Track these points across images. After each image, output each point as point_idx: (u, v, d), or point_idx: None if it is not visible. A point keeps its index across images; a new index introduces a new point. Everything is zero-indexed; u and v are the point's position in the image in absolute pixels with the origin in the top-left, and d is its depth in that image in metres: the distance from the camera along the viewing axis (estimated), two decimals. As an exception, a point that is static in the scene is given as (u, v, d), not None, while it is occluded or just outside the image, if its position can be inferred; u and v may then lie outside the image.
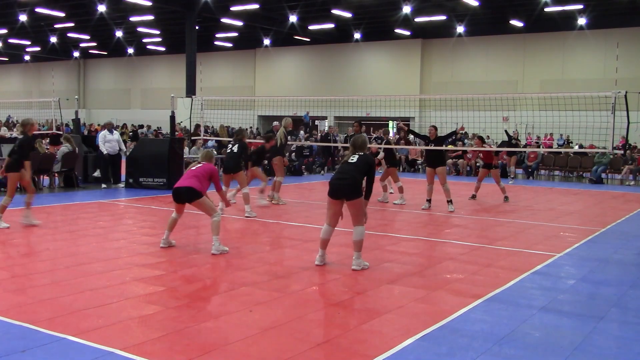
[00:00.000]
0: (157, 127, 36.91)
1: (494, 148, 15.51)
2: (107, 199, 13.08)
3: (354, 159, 7.22)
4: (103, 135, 15.39)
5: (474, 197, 14.36)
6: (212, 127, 27.80)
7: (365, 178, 7.22)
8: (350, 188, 7.02)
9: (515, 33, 33.07)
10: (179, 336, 4.82)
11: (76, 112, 17.71)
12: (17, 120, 35.18)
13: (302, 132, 29.50)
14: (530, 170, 21.99)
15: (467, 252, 8.37)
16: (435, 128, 12.70)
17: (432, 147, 12.52)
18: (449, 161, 22.47)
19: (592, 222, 11.45)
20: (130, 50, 45.59)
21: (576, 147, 23.25)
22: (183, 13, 30.80)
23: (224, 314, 5.42)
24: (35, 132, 9.83)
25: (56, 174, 14.87)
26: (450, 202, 12.30)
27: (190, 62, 31.10)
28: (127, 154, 17.73)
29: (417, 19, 31.44)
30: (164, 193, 14.11)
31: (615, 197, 16.29)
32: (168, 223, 8.19)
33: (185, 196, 7.87)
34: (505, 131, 19.19)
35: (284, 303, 5.79)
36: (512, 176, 19.97)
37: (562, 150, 22.37)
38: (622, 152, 14.89)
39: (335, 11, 30.26)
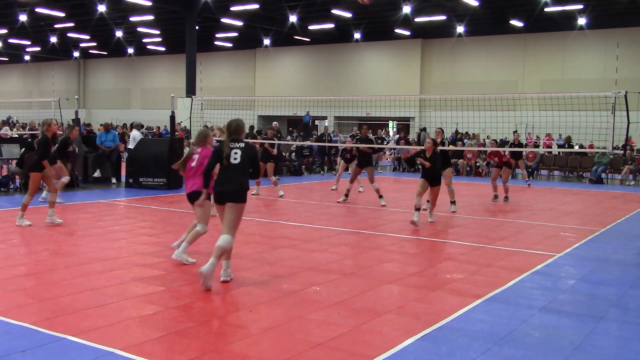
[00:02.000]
0: (152, 127, 36.76)
1: (506, 148, 15.50)
2: (107, 199, 13.08)
3: (237, 158, 6.19)
4: (135, 134, 17.96)
5: (496, 197, 14.34)
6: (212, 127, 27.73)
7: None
8: (236, 194, 6.16)
9: (515, 33, 33.07)
10: (179, 336, 4.82)
11: (76, 112, 17.70)
12: (17, 120, 35.21)
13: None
14: (530, 170, 21.99)
15: (467, 252, 8.37)
16: (434, 142, 11.98)
17: (441, 148, 12.52)
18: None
19: (592, 222, 11.44)
20: (130, 50, 45.59)
21: (576, 147, 23.24)
22: (183, 13, 30.80)
23: (224, 314, 5.42)
24: (55, 133, 9.95)
25: (56, 174, 14.88)
26: (453, 202, 12.29)
27: (190, 62, 31.10)
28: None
29: (417, 19, 31.44)
30: (164, 193, 14.12)
31: (615, 197, 16.28)
32: (189, 227, 7.62)
33: (192, 199, 7.17)
34: (515, 133, 19.02)
35: (284, 303, 5.79)
36: (527, 180, 19.15)
37: (561, 150, 22.36)
38: (622, 152, 14.87)
39: (335, 11, 30.25)
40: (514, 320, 5.42)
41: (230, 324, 5.16)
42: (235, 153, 6.22)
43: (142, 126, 36.80)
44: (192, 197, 7.12)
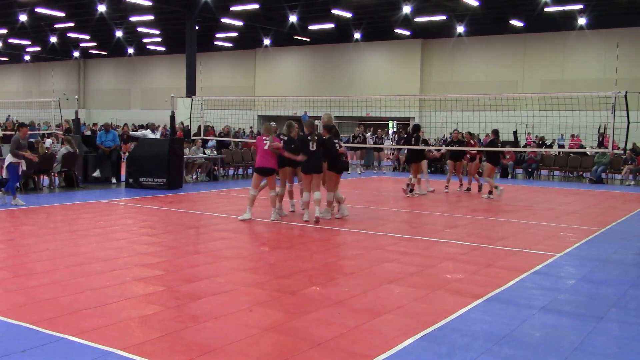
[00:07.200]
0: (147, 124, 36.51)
1: (521, 148, 15.45)
2: (107, 199, 13.08)
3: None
4: (144, 134, 18.58)
5: None
6: (212, 127, 27.71)
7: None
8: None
9: (515, 33, 33.09)
10: (179, 336, 4.82)
11: (76, 112, 17.71)
12: (16, 120, 35.22)
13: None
14: (530, 170, 21.98)
15: (467, 252, 8.36)
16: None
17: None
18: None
19: (592, 222, 11.44)
20: (130, 50, 45.61)
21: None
22: (183, 13, 30.82)
23: (224, 314, 5.42)
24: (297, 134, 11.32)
25: (56, 174, 14.87)
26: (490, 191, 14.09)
27: (190, 62, 31.11)
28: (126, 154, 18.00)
29: (417, 19, 31.45)
30: (164, 193, 14.12)
31: (615, 197, 16.28)
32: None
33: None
34: (514, 132, 18.99)
35: (284, 303, 5.79)
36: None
37: (550, 150, 22.28)
38: (622, 152, 14.83)
39: (335, 11, 30.27)
40: (514, 320, 5.42)
41: (230, 323, 5.16)
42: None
43: (142, 126, 36.88)
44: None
